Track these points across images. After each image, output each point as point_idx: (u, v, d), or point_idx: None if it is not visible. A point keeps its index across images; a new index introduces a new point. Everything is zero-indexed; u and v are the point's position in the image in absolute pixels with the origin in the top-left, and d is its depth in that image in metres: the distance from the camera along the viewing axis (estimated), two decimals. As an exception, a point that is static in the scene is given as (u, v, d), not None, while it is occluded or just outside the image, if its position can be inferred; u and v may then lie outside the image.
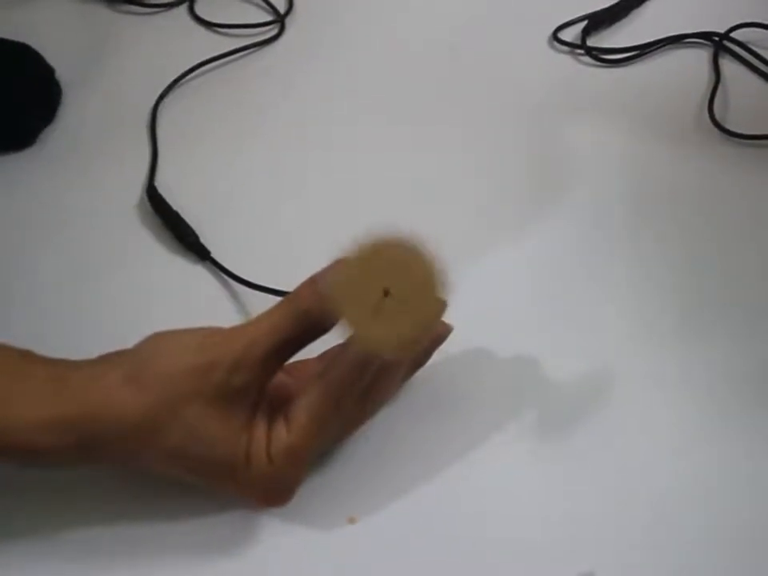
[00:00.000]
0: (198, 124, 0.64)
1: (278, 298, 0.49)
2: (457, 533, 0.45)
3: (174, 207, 0.57)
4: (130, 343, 0.42)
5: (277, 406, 0.42)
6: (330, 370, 0.41)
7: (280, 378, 0.44)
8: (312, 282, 0.42)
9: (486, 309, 0.53)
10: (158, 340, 0.42)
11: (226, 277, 0.54)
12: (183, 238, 0.56)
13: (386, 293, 0.39)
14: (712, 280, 0.56)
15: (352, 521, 0.45)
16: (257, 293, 0.52)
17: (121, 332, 0.43)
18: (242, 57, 0.70)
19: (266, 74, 0.68)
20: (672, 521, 0.45)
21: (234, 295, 0.54)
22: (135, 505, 0.45)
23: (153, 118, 0.64)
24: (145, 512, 0.44)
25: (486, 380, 0.50)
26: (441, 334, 0.46)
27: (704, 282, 0.55)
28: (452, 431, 0.48)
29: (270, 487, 0.42)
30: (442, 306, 0.41)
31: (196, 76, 0.68)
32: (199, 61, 0.68)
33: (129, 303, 0.53)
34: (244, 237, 0.57)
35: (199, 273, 0.55)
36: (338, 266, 0.41)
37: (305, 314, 0.41)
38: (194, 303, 0.53)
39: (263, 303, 0.50)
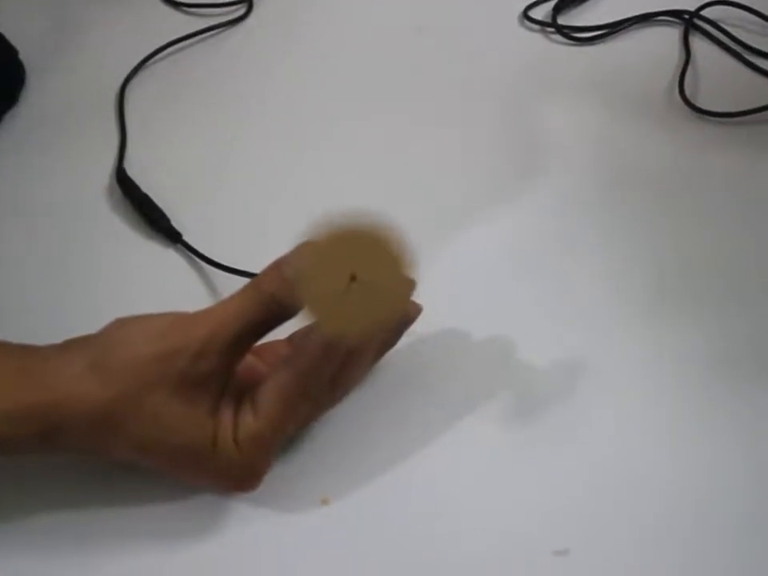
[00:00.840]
0: (166, 105, 0.63)
1: (246, 281, 0.49)
2: (431, 513, 0.45)
3: (144, 190, 0.56)
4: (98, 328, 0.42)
5: (244, 389, 0.42)
6: (297, 355, 0.41)
7: (248, 360, 0.43)
8: (277, 265, 0.41)
9: (458, 289, 0.53)
10: (121, 327, 0.41)
11: (197, 260, 0.54)
12: (154, 221, 0.55)
13: (353, 277, 0.39)
14: (686, 257, 0.56)
15: (325, 502, 0.45)
16: (229, 275, 0.52)
17: (91, 317, 0.42)
18: (210, 36, 0.69)
19: (234, 53, 0.68)
20: (648, 502, 0.45)
21: (207, 278, 0.53)
22: (102, 492, 0.44)
23: (120, 100, 0.63)
24: (112, 499, 0.44)
25: (458, 361, 0.50)
26: (410, 314, 0.46)
27: (678, 259, 0.55)
28: (424, 413, 0.48)
29: (237, 473, 0.41)
30: (409, 289, 0.41)
31: (164, 57, 0.67)
32: (167, 41, 0.67)
33: (99, 288, 0.52)
34: (215, 219, 0.56)
35: (171, 256, 0.54)
36: (303, 249, 0.40)
37: (270, 299, 0.40)
38: (165, 287, 0.53)
39: (236, 286, 0.50)
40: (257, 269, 0.47)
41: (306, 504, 0.45)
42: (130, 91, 0.64)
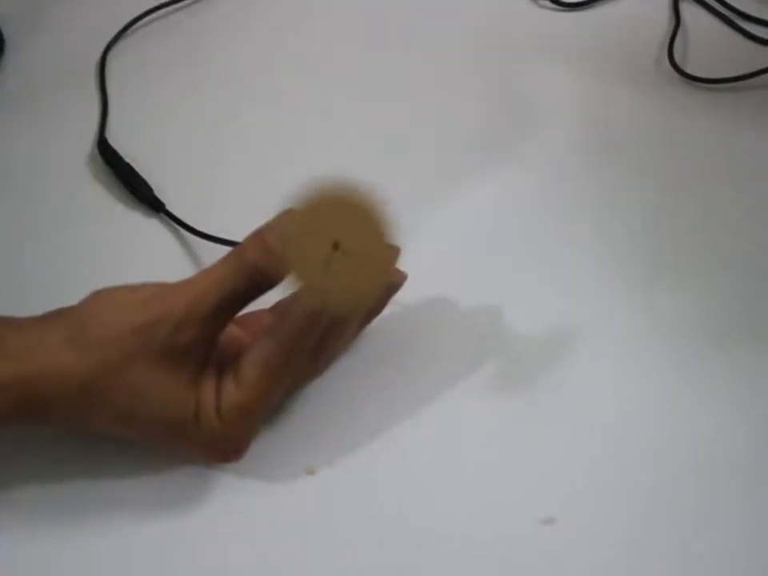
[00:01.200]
0: (148, 73, 0.62)
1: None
2: (417, 484, 0.44)
3: (126, 159, 0.56)
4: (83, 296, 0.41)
5: (227, 359, 0.41)
6: (280, 325, 0.40)
7: (231, 330, 0.43)
8: (258, 233, 0.40)
9: (445, 256, 0.52)
10: (100, 298, 0.41)
11: (181, 229, 0.53)
12: (136, 190, 0.54)
13: (336, 245, 0.38)
14: (676, 223, 0.55)
15: (311, 472, 0.44)
16: (213, 245, 0.51)
17: (72, 288, 0.41)
18: (195, 2, 0.67)
19: (218, 20, 0.66)
20: (640, 472, 0.45)
21: (190, 248, 0.53)
22: (84, 464, 0.44)
23: (101, 68, 0.62)
24: (94, 471, 0.44)
25: (445, 330, 0.50)
26: (396, 281, 0.45)
27: (668, 226, 0.55)
28: (410, 382, 0.48)
29: (221, 444, 0.41)
30: (393, 257, 0.40)
31: (147, 23, 0.65)
32: (151, 6, 0.65)
33: (80, 258, 0.52)
34: (199, 188, 0.55)
35: (153, 226, 0.54)
36: (285, 217, 0.39)
37: (252, 268, 0.40)
38: (148, 257, 0.52)
39: (219, 255, 0.49)
40: (241, 238, 0.46)
41: (291, 474, 0.44)
42: (112, 58, 0.63)
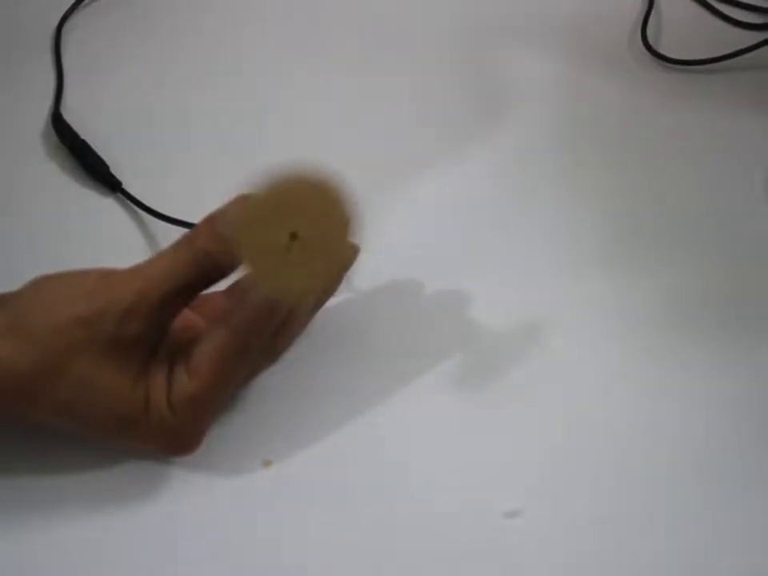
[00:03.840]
0: (107, 46, 0.60)
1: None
2: (378, 475, 0.43)
3: (82, 136, 0.53)
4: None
5: (179, 345, 0.39)
6: (235, 313, 0.38)
7: (184, 314, 0.41)
8: (211, 220, 0.38)
9: (409, 242, 0.51)
10: (41, 286, 0.39)
11: (138, 209, 0.51)
12: (92, 168, 0.52)
13: (294, 235, 0.36)
14: (644, 206, 0.54)
15: (267, 464, 0.43)
16: (171, 226, 0.49)
17: (21, 270, 0.40)
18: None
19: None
20: (608, 459, 0.44)
21: (147, 229, 0.51)
22: (29, 459, 0.42)
23: (57, 40, 0.59)
24: (35, 464, 0.42)
25: (407, 316, 0.49)
26: (349, 257, 0.43)
27: (636, 209, 0.54)
28: (368, 371, 0.46)
29: (172, 437, 0.39)
30: (353, 249, 0.39)
31: (102, -6, 0.63)
32: (107, -23, 0.63)
33: (31, 239, 0.50)
34: (157, 167, 0.53)
35: (109, 205, 0.52)
36: (240, 203, 0.37)
37: (204, 256, 0.38)
38: (103, 238, 0.50)
39: (175, 236, 0.48)
40: (199, 220, 0.45)
41: (246, 467, 0.43)
42: (69, 30, 0.60)
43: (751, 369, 0.48)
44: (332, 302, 0.45)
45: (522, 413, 0.45)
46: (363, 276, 0.45)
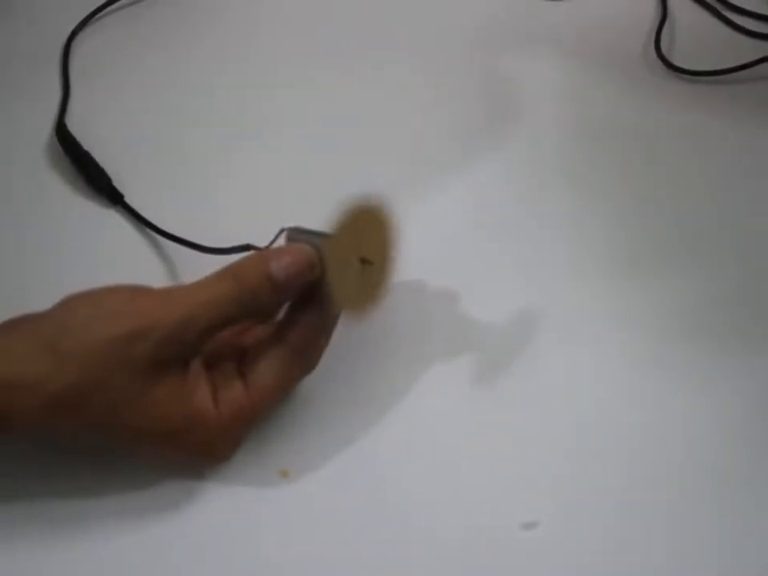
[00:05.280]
0: (115, 61, 0.60)
1: (187, 250, 0.48)
2: (395, 486, 0.43)
3: (86, 147, 0.53)
4: (32, 293, 0.39)
5: (214, 352, 0.40)
6: (294, 333, 0.40)
7: None
8: (262, 261, 0.39)
9: (423, 246, 0.50)
10: (73, 305, 0.38)
11: (139, 223, 0.51)
12: (94, 180, 0.52)
13: (363, 261, 0.40)
14: (656, 214, 0.54)
15: (284, 474, 0.43)
16: (170, 242, 0.49)
17: (22, 280, 0.40)
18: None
19: (189, 9, 0.64)
20: (621, 465, 0.44)
21: (147, 243, 0.50)
22: (57, 478, 0.42)
23: (66, 53, 0.60)
24: (67, 486, 0.42)
25: (423, 321, 0.48)
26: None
27: (648, 218, 0.54)
28: (386, 379, 0.46)
29: (213, 445, 0.40)
30: (396, 260, 0.42)
31: (115, 9, 0.63)
32: (118, -8, 0.63)
33: (32, 249, 0.50)
34: (160, 182, 0.53)
35: (111, 218, 0.51)
36: (301, 249, 0.40)
37: (251, 296, 0.38)
38: (103, 250, 0.50)
39: (175, 252, 0.49)
40: (199, 237, 0.47)
41: (264, 477, 0.42)
42: (78, 44, 0.61)
43: (761, 375, 0.47)
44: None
45: (532, 419, 0.45)
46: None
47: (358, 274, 0.40)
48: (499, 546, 0.41)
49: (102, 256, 0.49)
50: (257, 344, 0.41)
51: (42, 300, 0.38)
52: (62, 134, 0.54)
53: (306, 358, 0.41)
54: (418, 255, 0.49)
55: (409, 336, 0.48)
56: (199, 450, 0.39)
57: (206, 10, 0.64)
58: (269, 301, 0.39)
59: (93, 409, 0.37)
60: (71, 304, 0.38)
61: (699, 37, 0.64)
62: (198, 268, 0.46)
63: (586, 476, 0.43)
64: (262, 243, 0.42)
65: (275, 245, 0.41)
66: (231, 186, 0.53)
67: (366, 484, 0.43)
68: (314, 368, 0.42)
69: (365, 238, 0.40)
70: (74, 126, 0.55)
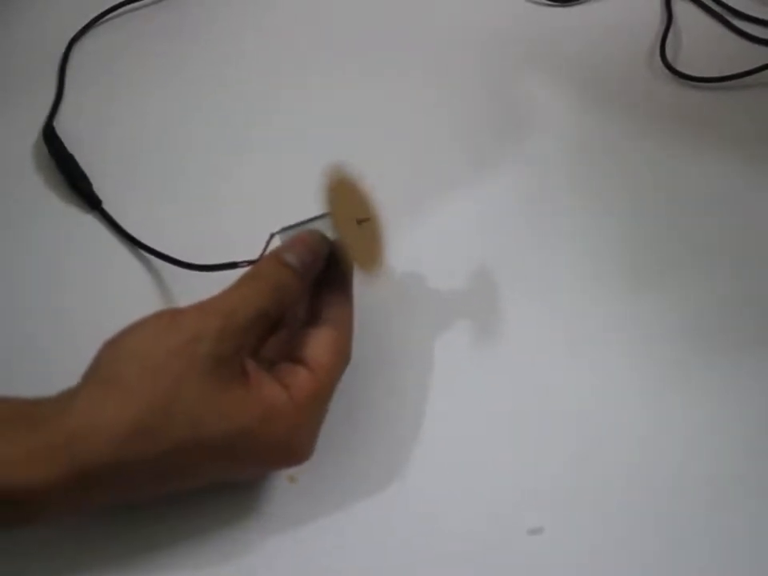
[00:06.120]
0: (112, 67, 0.61)
1: (160, 262, 0.48)
2: (401, 492, 0.43)
3: (72, 151, 0.54)
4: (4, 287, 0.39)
5: (265, 357, 0.41)
6: (328, 313, 0.41)
7: None
8: (275, 255, 0.41)
9: (429, 259, 0.51)
10: (115, 343, 0.37)
11: (115, 231, 0.51)
12: (75, 183, 0.52)
13: (359, 221, 0.42)
14: (663, 223, 0.53)
15: (292, 480, 0.42)
16: (141, 251, 0.50)
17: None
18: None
19: (188, 17, 0.64)
20: (626, 476, 0.43)
21: (122, 252, 0.50)
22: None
23: (64, 59, 0.60)
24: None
25: (425, 327, 0.48)
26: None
27: (655, 229, 0.53)
28: (392, 387, 0.46)
29: (298, 433, 0.39)
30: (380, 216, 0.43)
31: (115, 17, 0.64)
32: (118, 1, 0.63)
33: (5, 246, 0.50)
34: (141, 191, 0.53)
35: (88, 223, 0.52)
36: (310, 234, 0.42)
37: (275, 287, 0.40)
38: (76, 254, 0.50)
39: (151, 262, 0.50)
40: (173, 249, 0.48)
41: (272, 482, 0.42)
42: (77, 50, 0.61)
43: (762, 381, 0.47)
44: (356, 318, 0.44)
45: (538, 424, 0.45)
46: (387, 290, 0.45)
47: (361, 233, 0.42)
48: (505, 550, 0.41)
49: (73, 258, 0.50)
50: (300, 335, 0.41)
51: (13, 299, 0.38)
52: (49, 134, 0.55)
53: (346, 327, 0.42)
54: (420, 263, 0.50)
55: (413, 343, 0.48)
56: (281, 447, 0.39)
57: (207, 17, 0.64)
58: (293, 286, 0.40)
59: (175, 425, 0.36)
60: (111, 345, 0.38)
61: (704, 44, 0.63)
62: (173, 280, 0.48)
63: (587, 480, 0.43)
64: (251, 256, 0.42)
65: (268, 251, 0.42)
66: (216, 198, 0.53)
67: (373, 489, 0.43)
68: (352, 338, 0.43)
69: (351, 201, 0.42)
70: (63, 129, 0.55)
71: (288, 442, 0.39)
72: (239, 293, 0.39)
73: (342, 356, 0.41)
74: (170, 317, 0.38)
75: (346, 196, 0.42)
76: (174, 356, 0.36)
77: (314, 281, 0.42)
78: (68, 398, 0.36)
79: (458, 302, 0.49)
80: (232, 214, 0.52)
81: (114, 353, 0.37)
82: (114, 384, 0.36)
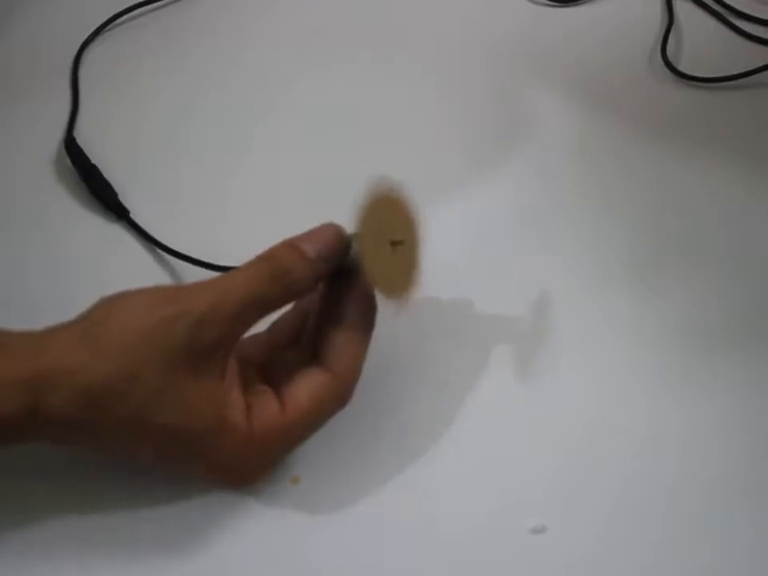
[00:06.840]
0: (124, 73, 0.61)
1: (193, 267, 0.49)
2: (404, 492, 0.43)
3: (94, 161, 0.54)
4: (35, 305, 0.40)
5: (247, 360, 0.40)
6: (340, 355, 0.39)
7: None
8: (292, 241, 0.39)
9: (430, 260, 0.49)
10: (111, 301, 0.38)
11: (144, 239, 0.51)
12: (100, 194, 0.53)
13: (393, 243, 0.40)
14: (665, 226, 0.54)
15: (295, 481, 0.43)
16: (173, 258, 0.50)
17: (19, 290, 0.40)
18: (172, 2, 0.65)
19: (197, 20, 0.64)
20: (628, 476, 0.44)
21: (150, 259, 0.51)
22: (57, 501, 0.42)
23: (75, 66, 0.60)
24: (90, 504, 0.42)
25: (430, 334, 0.48)
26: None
27: (657, 231, 0.54)
28: (397, 389, 0.46)
29: (244, 457, 0.39)
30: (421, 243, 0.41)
31: (124, 22, 0.64)
32: (127, 6, 0.64)
33: (36, 262, 0.50)
34: (167, 198, 0.53)
35: (116, 233, 0.52)
36: (329, 229, 0.40)
37: (283, 272, 0.38)
38: (105, 264, 0.50)
39: (182, 270, 0.50)
40: (204, 254, 0.48)
41: (275, 483, 0.42)
42: (88, 56, 0.61)
43: (764, 386, 0.47)
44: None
45: (539, 427, 0.45)
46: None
47: (392, 256, 0.40)
48: (507, 549, 0.41)
49: (105, 271, 0.50)
50: (293, 363, 0.40)
51: (44, 313, 0.39)
52: (70, 145, 0.55)
53: (349, 371, 0.40)
54: (434, 271, 0.49)
55: (416, 347, 0.48)
56: (224, 464, 0.39)
57: (216, 20, 0.65)
58: (303, 275, 0.39)
59: (128, 402, 0.36)
60: (107, 301, 0.38)
61: (705, 44, 0.64)
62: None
63: (588, 480, 0.44)
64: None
65: None
66: (241, 202, 0.53)
67: (376, 490, 0.43)
68: (348, 400, 0.41)
69: (387, 220, 0.40)
70: (83, 138, 0.56)
71: (227, 463, 0.38)
72: (242, 273, 0.39)
73: (328, 404, 0.39)
74: (165, 290, 0.39)
75: (382, 214, 0.40)
76: (155, 328, 0.36)
77: (329, 312, 0.41)
78: (42, 336, 0.37)
79: (458, 304, 0.50)
80: (256, 215, 0.52)
81: (106, 309, 0.38)
82: (94, 339, 0.36)
